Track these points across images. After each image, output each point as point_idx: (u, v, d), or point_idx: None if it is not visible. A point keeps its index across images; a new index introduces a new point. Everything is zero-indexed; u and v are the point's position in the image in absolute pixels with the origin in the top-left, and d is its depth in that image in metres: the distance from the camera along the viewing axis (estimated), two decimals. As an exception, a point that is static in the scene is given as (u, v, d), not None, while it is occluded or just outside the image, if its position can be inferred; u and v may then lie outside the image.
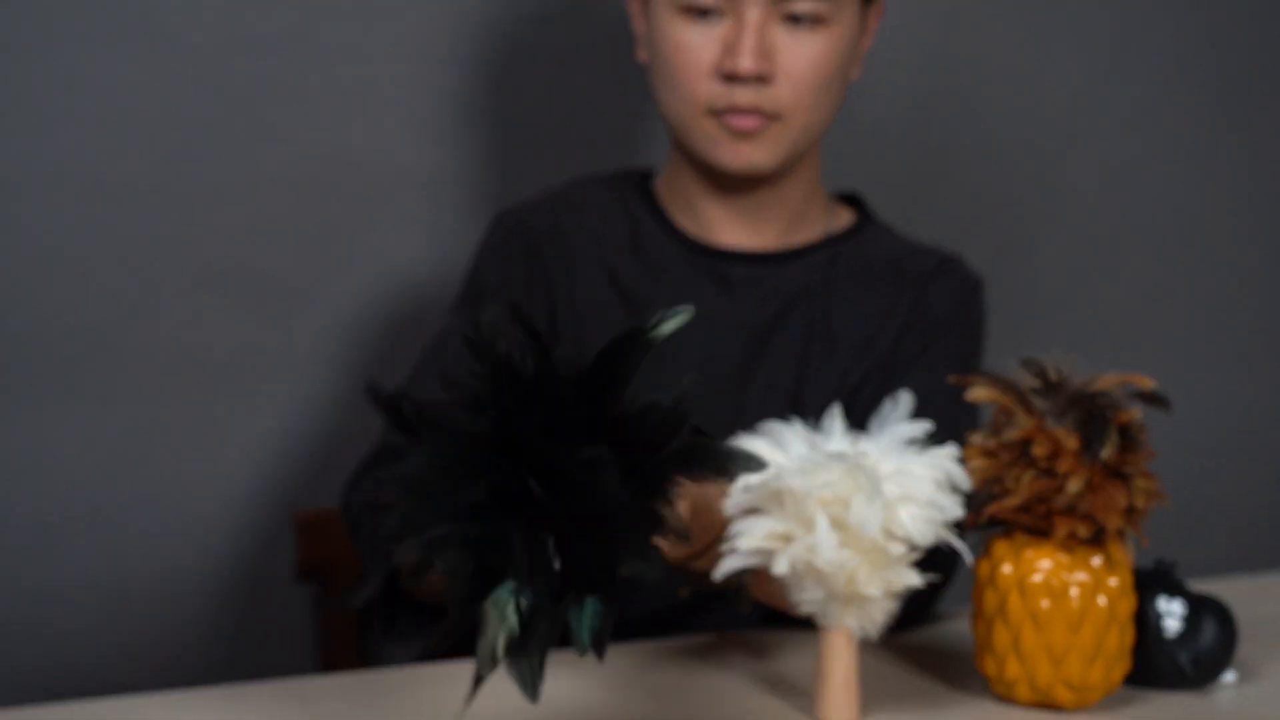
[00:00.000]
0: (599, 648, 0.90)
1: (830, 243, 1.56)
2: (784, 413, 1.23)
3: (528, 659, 0.89)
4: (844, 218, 1.60)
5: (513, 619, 0.88)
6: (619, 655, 1.27)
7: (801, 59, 1.44)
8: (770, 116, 1.44)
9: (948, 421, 1.31)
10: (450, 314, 1.58)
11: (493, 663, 0.89)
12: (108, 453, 1.80)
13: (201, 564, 1.86)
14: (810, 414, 1.18)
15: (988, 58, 2.25)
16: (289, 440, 1.89)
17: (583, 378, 0.91)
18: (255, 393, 1.87)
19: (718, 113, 1.45)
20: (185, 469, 1.84)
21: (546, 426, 0.89)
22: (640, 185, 1.59)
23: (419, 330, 1.91)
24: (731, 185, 1.51)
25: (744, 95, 1.43)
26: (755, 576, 1.23)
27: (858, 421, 1.18)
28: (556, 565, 0.89)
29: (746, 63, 1.41)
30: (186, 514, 1.85)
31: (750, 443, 1.12)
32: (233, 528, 1.87)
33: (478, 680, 0.90)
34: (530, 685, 0.89)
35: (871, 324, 1.53)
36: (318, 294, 1.89)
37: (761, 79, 1.43)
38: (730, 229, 1.54)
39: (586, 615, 0.88)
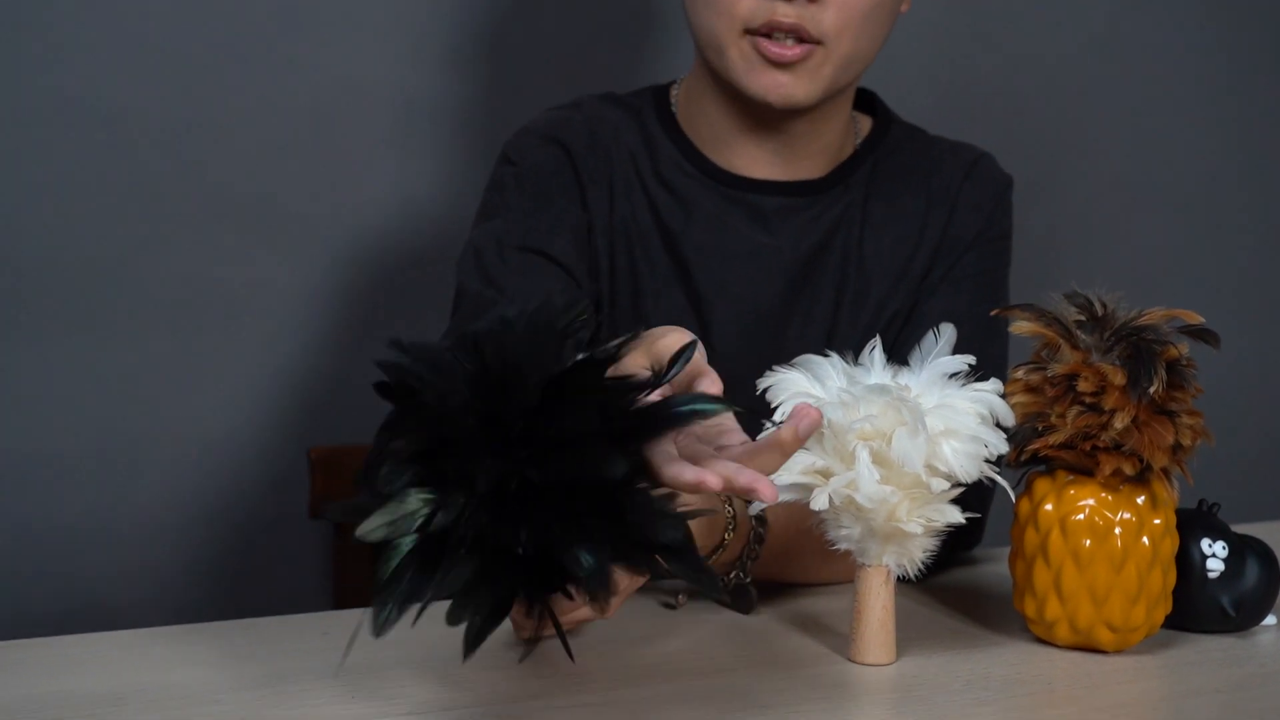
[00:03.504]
0: (595, 595, 0.83)
1: (858, 158, 1.51)
2: (822, 347, 1.19)
3: (399, 585, 0.82)
4: (865, 124, 1.54)
5: (416, 519, 0.82)
6: (651, 594, 1.26)
7: None
8: (812, 41, 1.37)
9: (980, 342, 1.28)
10: (478, 222, 1.49)
11: (371, 540, 0.82)
12: (119, 386, 1.80)
13: (215, 500, 1.87)
14: (846, 347, 1.15)
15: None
16: (303, 375, 1.88)
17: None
18: (269, 327, 1.87)
19: (755, 32, 1.37)
20: (198, 404, 1.84)
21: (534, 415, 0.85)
22: (659, 108, 1.51)
23: (434, 262, 1.91)
24: (764, 119, 1.45)
25: (787, 12, 1.36)
26: (765, 549, 1.23)
27: (893, 349, 1.16)
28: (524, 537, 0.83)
29: None
30: (200, 449, 1.85)
31: (789, 376, 1.11)
32: (247, 464, 1.87)
33: (337, 526, 0.84)
34: (381, 619, 0.82)
35: (904, 250, 1.49)
36: (331, 226, 1.89)
37: None
38: (764, 163, 1.48)
39: (584, 563, 0.83)
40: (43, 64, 1.74)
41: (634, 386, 0.86)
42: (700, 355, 0.94)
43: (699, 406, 0.86)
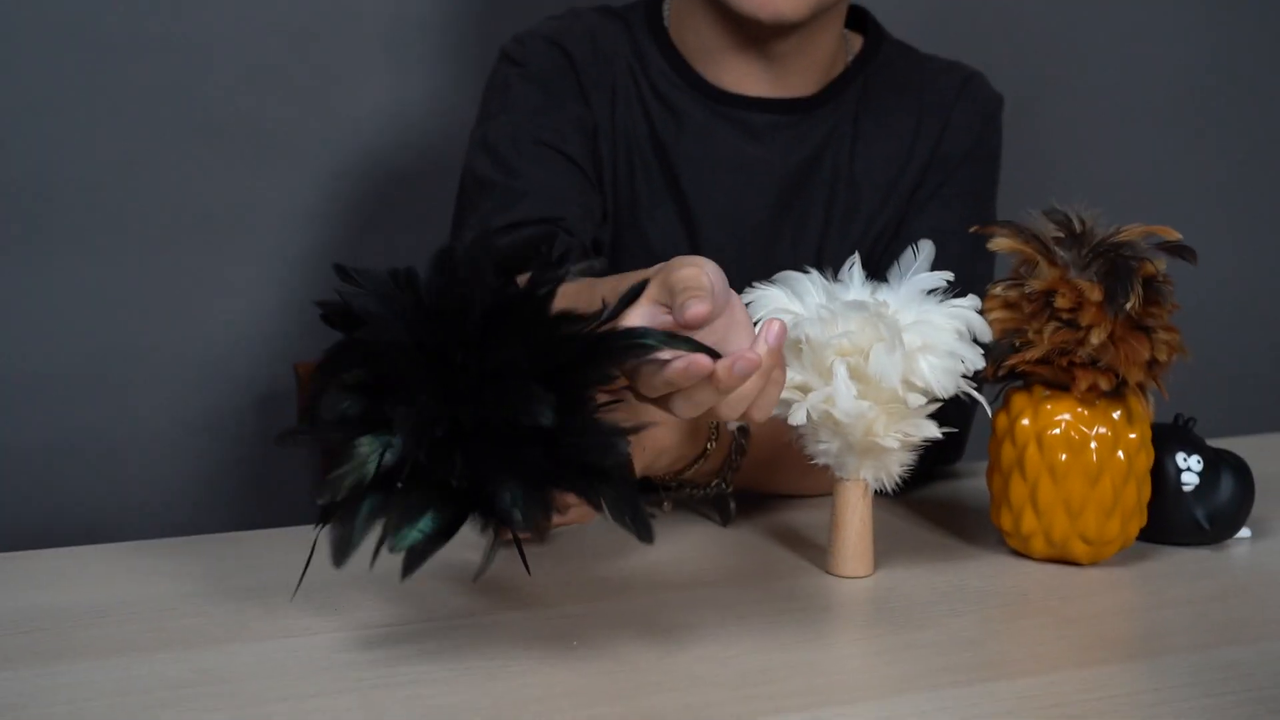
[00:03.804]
0: (532, 527, 0.85)
1: (849, 76, 1.50)
2: (811, 261, 1.20)
3: (355, 518, 0.85)
4: (855, 42, 1.53)
5: (369, 465, 0.85)
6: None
7: None
8: None
9: (965, 259, 1.29)
10: (481, 122, 1.47)
11: (333, 497, 0.85)
12: (110, 305, 1.81)
13: (206, 414, 1.88)
14: (836, 262, 1.15)
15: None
16: (291, 292, 1.89)
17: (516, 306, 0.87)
18: (257, 244, 1.87)
19: None
20: (187, 320, 1.85)
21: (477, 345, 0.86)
22: (650, 21, 1.50)
23: (423, 178, 1.91)
24: (756, 36, 1.44)
25: None
26: (746, 460, 1.24)
27: (880, 264, 1.16)
28: (459, 464, 0.85)
29: None
30: (190, 365, 1.86)
31: (769, 292, 1.11)
32: (237, 379, 1.88)
33: (323, 512, 0.87)
34: (340, 549, 0.85)
35: (894, 165, 1.49)
36: (319, 143, 1.89)
37: None
38: (753, 80, 1.47)
39: (511, 498, 0.85)
40: (26, -21, 1.74)
41: (575, 320, 0.86)
42: (707, 277, 0.91)
43: (639, 341, 0.86)
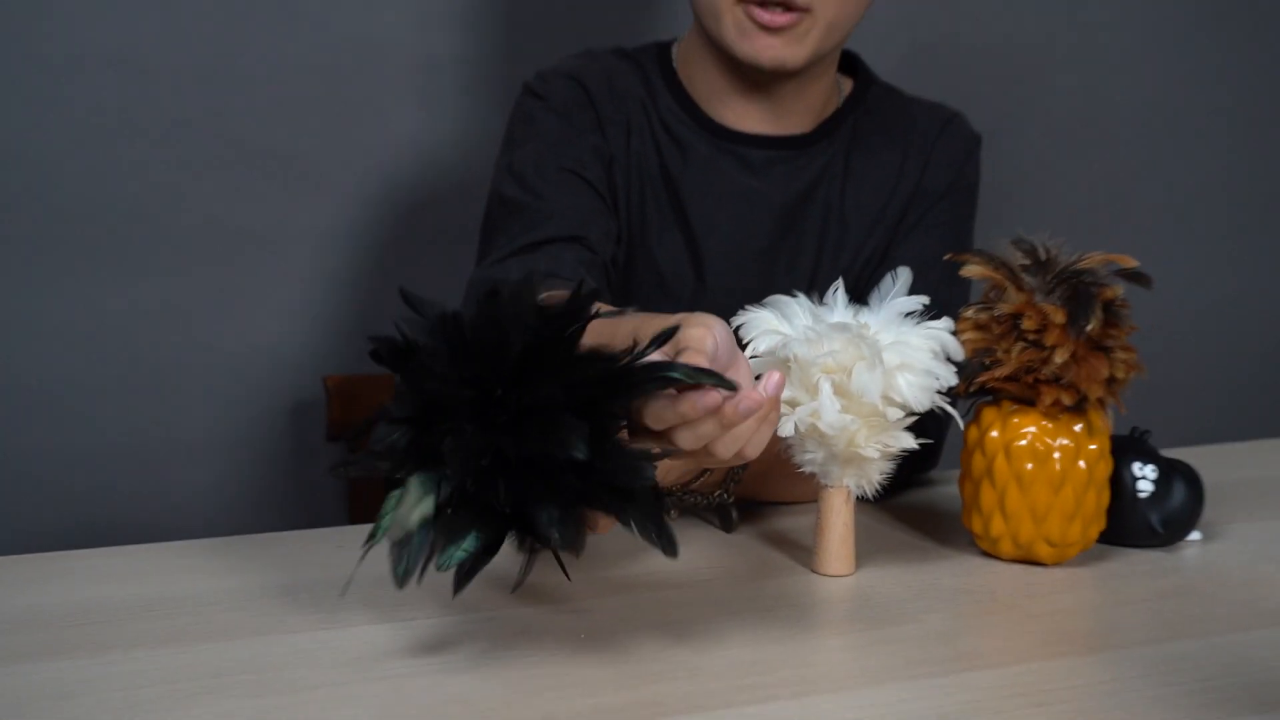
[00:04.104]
0: (569, 544, 0.86)
1: (841, 116, 1.51)
2: (804, 286, 1.20)
3: (412, 545, 0.87)
4: (846, 85, 1.54)
5: (429, 500, 0.86)
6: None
7: None
8: (799, 9, 1.36)
9: (944, 285, 1.31)
10: (506, 150, 1.47)
11: (402, 531, 0.86)
12: (150, 320, 1.81)
13: (240, 425, 1.87)
14: (828, 286, 1.15)
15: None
16: (319, 310, 1.89)
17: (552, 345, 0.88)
18: (287, 266, 1.87)
19: (748, 1, 1.37)
20: (223, 336, 1.84)
21: (515, 379, 0.87)
22: (660, 63, 1.51)
23: (437, 208, 1.91)
24: (756, 80, 1.44)
25: None
26: (748, 473, 1.24)
27: (867, 288, 1.17)
28: (504, 495, 0.86)
29: None
30: (226, 378, 1.85)
31: (760, 314, 1.12)
32: (269, 392, 1.88)
33: (372, 535, 0.88)
34: (401, 573, 0.86)
35: (880, 198, 1.49)
36: (343, 173, 1.89)
37: None
38: (754, 119, 1.48)
39: (548, 518, 0.86)
40: (82, 22, 1.73)
41: (607, 357, 0.87)
42: (713, 338, 0.92)
43: (666, 374, 0.87)
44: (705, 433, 0.91)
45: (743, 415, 0.90)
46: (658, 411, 0.89)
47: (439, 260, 1.91)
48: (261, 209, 1.84)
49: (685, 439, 0.91)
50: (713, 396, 0.88)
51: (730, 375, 0.91)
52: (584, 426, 0.85)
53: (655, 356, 0.90)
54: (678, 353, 0.91)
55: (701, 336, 0.92)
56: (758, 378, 0.96)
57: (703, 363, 0.90)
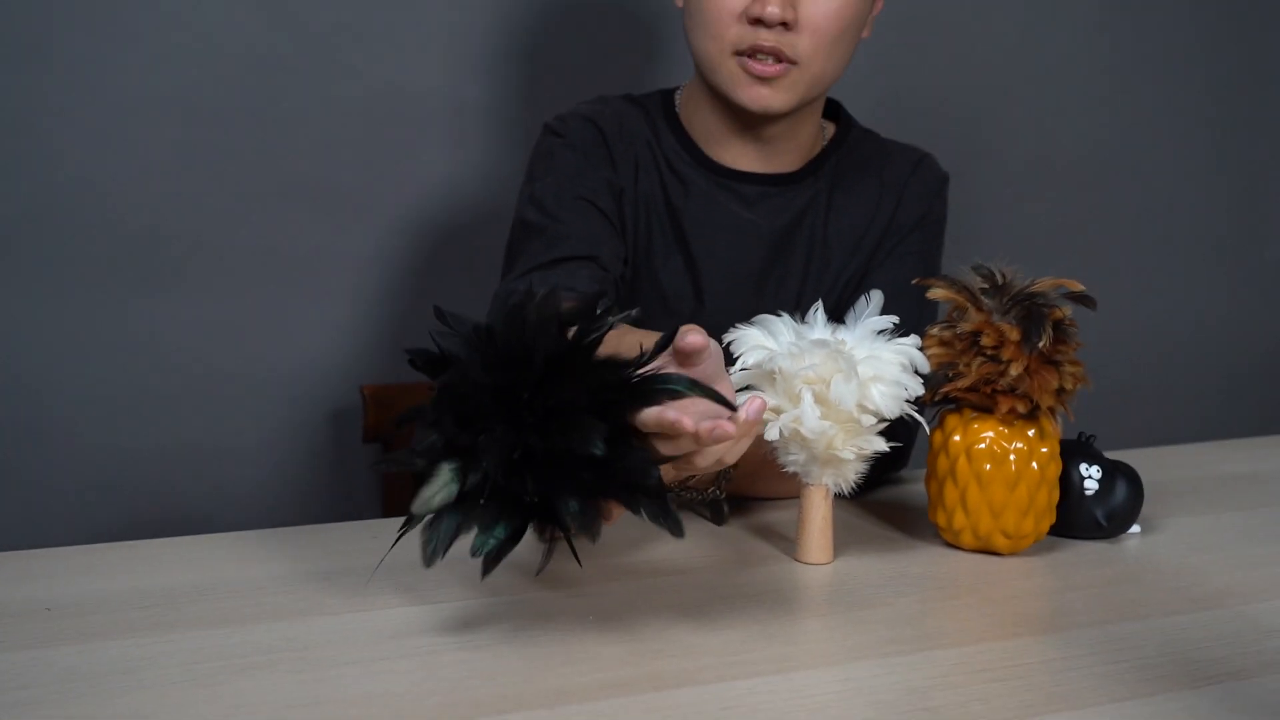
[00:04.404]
0: (587, 532, 0.87)
1: (824, 156, 1.51)
2: (790, 307, 1.20)
3: (439, 529, 0.87)
4: (830, 129, 1.54)
5: (453, 486, 0.87)
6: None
7: (822, 12, 1.36)
8: (789, 61, 1.37)
9: (914, 307, 1.31)
10: (528, 185, 1.46)
11: (427, 513, 0.87)
12: (208, 334, 1.81)
13: (286, 428, 1.87)
14: (809, 308, 1.15)
15: (936, 17, 2.23)
16: (358, 326, 1.89)
17: (569, 352, 0.88)
18: (329, 287, 1.87)
19: (742, 54, 1.37)
20: (271, 349, 1.84)
21: (540, 384, 0.88)
22: (665, 108, 1.51)
23: (463, 235, 1.91)
24: (749, 122, 1.45)
25: (767, 37, 1.35)
26: (738, 471, 1.24)
27: (845, 309, 1.17)
28: (531, 487, 0.87)
29: (773, 9, 1.34)
30: (273, 386, 1.85)
31: (749, 331, 1.12)
32: (312, 399, 1.88)
33: (408, 520, 0.88)
34: (429, 553, 0.87)
35: (859, 229, 1.49)
36: (379, 205, 1.89)
37: (785, 25, 1.35)
38: (748, 158, 1.48)
39: (569, 509, 0.87)
40: (145, 71, 1.74)
41: (620, 364, 0.88)
42: (707, 354, 0.93)
43: (670, 386, 0.88)
44: (682, 445, 0.91)
45: (714, 440, 0.89)
46: (645, 418, 0.89)
47: (466, 282, 1.91)
48: (306, 237, 1.84)
49: (665, 447, 0.91)
50: (685, 421, 0.88)
51: (717, 384, 0.92)
52: (603, 427, 0.85)
53: (661, 364, 0.91)
54: (679, 338, 0.91)
55: (701, 342, 0.92)
56: (745, 389, 0.95)
57: (700, 339, 0.91)
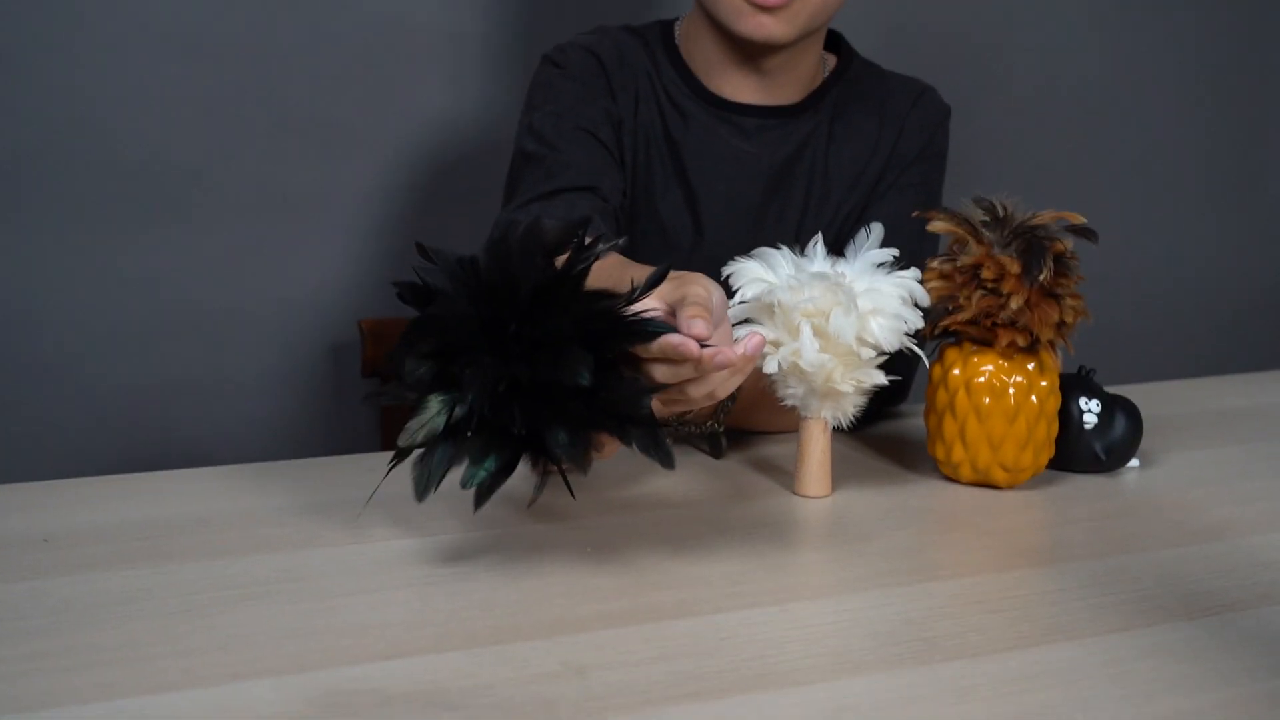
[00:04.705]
0: (576, 463, 0.87)
1: (825, 87, 1.49)
2: (790, 240, 1.19)
3: (430, 463, 0.87)
4: (830, 61, 1.52)
5: (439, 418, 0.86)
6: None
7: None
8: None
9: (914, 239, 1.29)
10: (527, 113, 1.44)
11: (412, 446, 0.86)
12: (207, 269, 1.80)
13: (286, 362, 1.87)
14: (809, 241, 1.14)
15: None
16: (355, 261, 1.88)
17: (555, 284, 0.87)
18: (327, 220, 1.86)
19: None
20: (270, 283, 1.84)
21: (529, 315, 0.87)
22: (664, 39, 1.49)
23: (462, 168, 1.90)
24: (750, 53, 1.42)
25: None
26: (739, 404, 1.24)
27: (846, 243, 1.16)
28: (519, 419, 0.86)
29: None
30: (272, 321, 1.85)
31: (748, 264, 1.11)
32: (311, 332, 1.87)
33: (397, 453, 0.88)
34: (421, 487, 0.87)
35: (860, 162, 1.48)
36: (377, 137, 1.87)
37: None
38: (748, 90, 1.45)
39: (557, 440, 0.86)
40: (142, 3, 1.72)
41: (608, 297, 0.87)
42: (712, 300, 0.93)
43: (656, 328, 0.88)
44: (681, 372, 0.91)
45: (717, 366, 0.90)
46: (644, 346, 0.89)
47: (465, 214, 1.90)
48: (304, 171, 1.83)
49: (664, 373, 0.91)
50: (691, 344, 0.88)
51: (718, 331, 0.92)
52: (590, 357, 0.84)
53: (653, 310, 0.91)
54: (687, 309, 0.91)
55: (704, 298, 0.92)
56: (743, 323, 0.94)
57: (702, 314, 0.90)
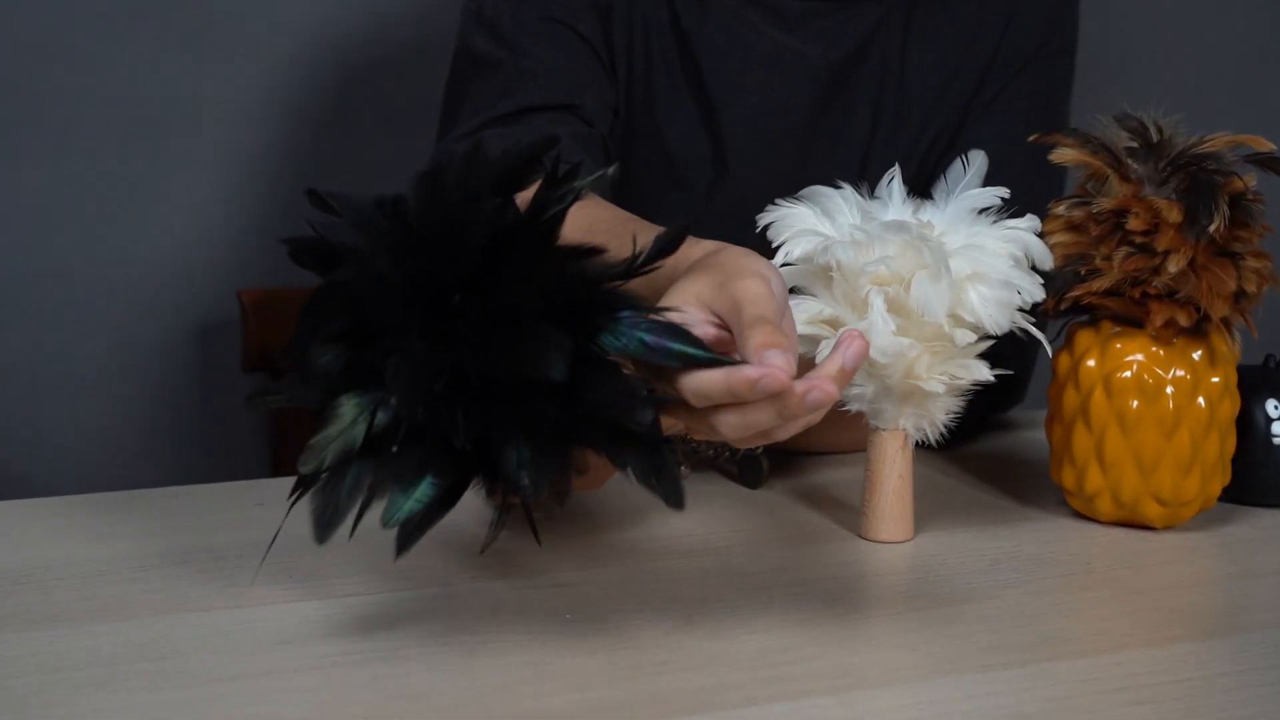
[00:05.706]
0: (539, 490, 0.84)
1: None
2: (852, 175, 1.19)
3: (340, 489, 0.85)
4: None
5: (356, 429, 0.85)
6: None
7: None
8: None
9: (1030, 174, 1.30)
10: (472, 3, 1.45)
11: (319, 470, 0.85)
12: (22, 219, 1.80)
13: (139, 350, 1.87)
14: (879, 176, 1.15)
15: None
16: (238, 206, 1.88)
17: (515, 233, 0.86)
18: (199, 150, 1.86)
19: None
20: (114, 237, 1.84)
21: (474, 277, 0.86)
22: None
23: (381, 76, 1.90)
24: None
25: None
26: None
27: (931, 180, 1.16)
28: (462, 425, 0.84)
29: None
30: (117, 290, 1.85)
31: (794, 210, 1.11)
32: (172, 307, 1.88)
33: (300, 481, 0.87)
34: (323, 523, 0.85)
35: (950, 64, 1.49)
36: (267, 30, 1.88)
37: None
38: None
39: (518, 459, 0.84)
40: None
41: (589, 254, 0.86)
42: (774, 299, 0.89)
43: (688, 350, 0.85)
44: (757, 421, 0.87)
45: (809, 408, 0.86)
46: (684, 384, 0.86)
47: (388, 138, 1.91)
48: (162, 76, 1.84)
49: (731, 425, 0.87)
50: (779, 375, 0.84)
51: (783, 327, 0.89)
52: (566, 341, 0.83)
53: (684, 314, 0.89)
54: (747, 327, 0.87)
55: (764, 297, 0.89)
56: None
57: (779, 341, 0.86)
